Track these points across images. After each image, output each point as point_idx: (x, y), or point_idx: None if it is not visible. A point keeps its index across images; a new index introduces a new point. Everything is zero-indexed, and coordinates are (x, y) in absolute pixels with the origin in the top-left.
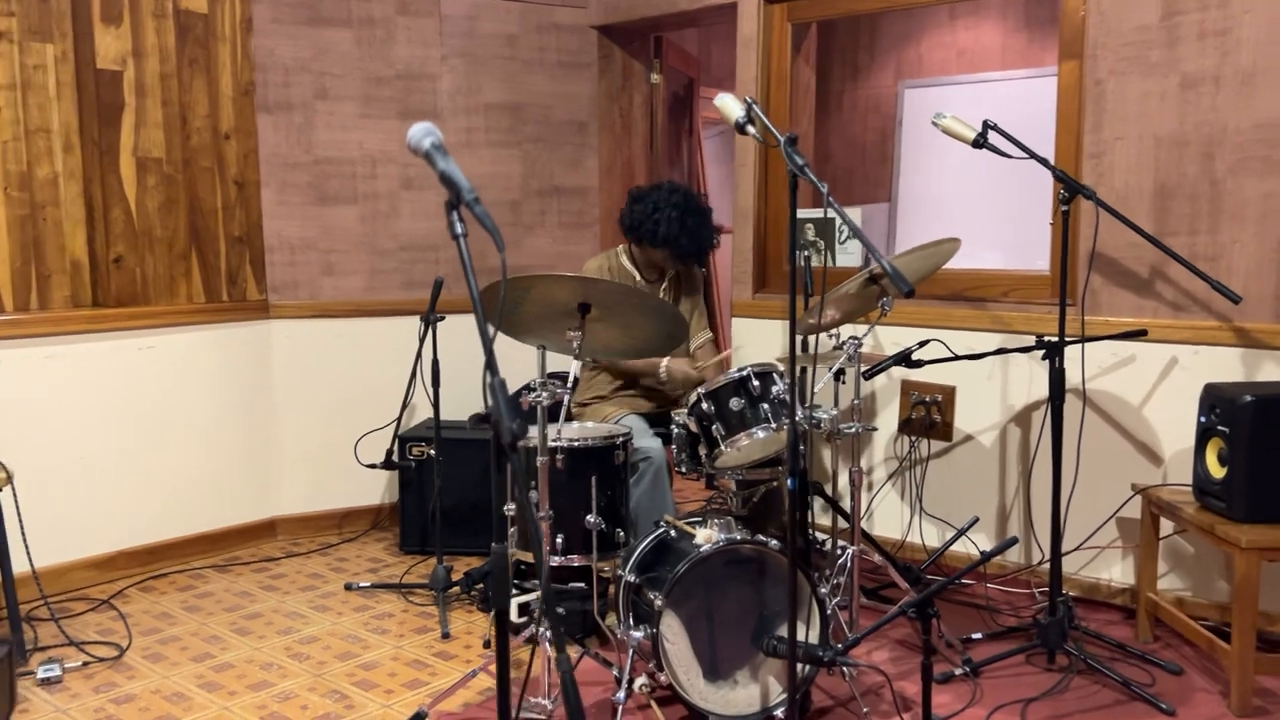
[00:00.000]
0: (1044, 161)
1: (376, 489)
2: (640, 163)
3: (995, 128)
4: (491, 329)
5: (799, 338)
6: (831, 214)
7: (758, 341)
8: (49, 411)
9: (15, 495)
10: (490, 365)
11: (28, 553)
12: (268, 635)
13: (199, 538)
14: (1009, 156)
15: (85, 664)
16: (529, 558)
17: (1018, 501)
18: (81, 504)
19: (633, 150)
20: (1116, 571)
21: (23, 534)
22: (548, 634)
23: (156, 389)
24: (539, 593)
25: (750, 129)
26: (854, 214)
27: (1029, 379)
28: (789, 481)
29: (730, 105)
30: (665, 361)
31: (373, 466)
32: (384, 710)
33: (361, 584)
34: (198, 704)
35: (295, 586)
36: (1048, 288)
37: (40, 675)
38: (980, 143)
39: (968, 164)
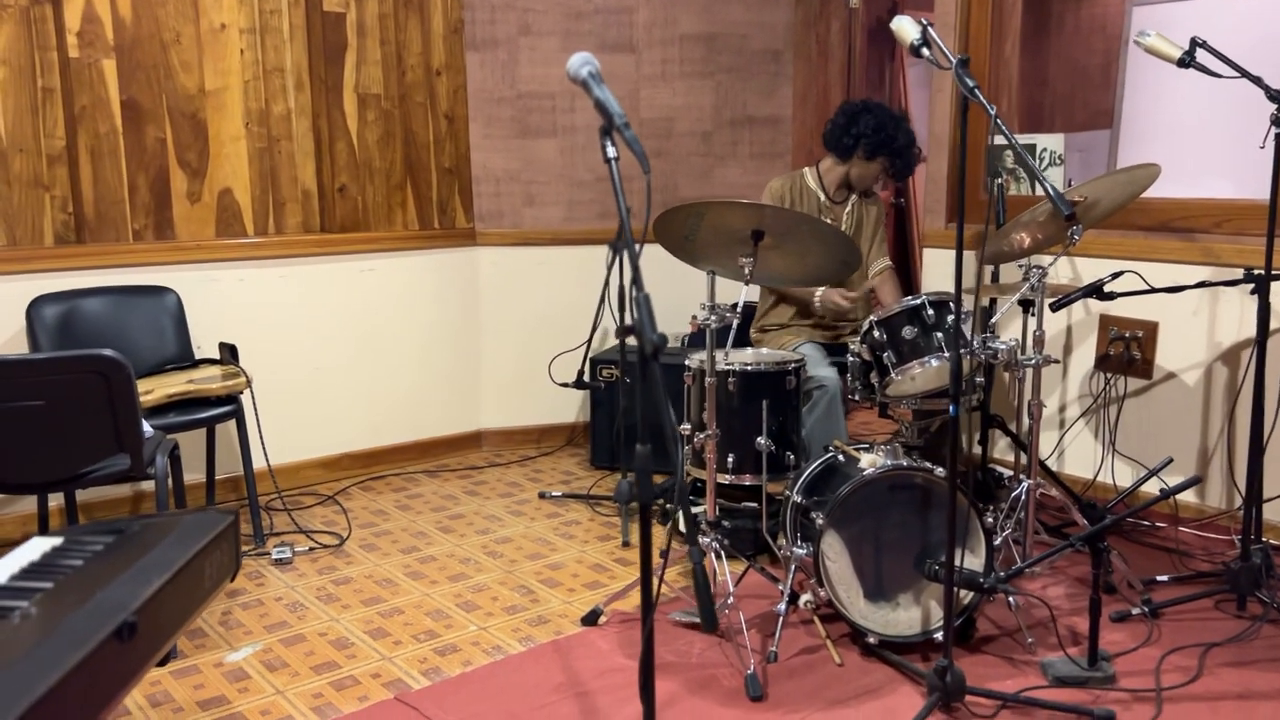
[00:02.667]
0: (1257, 80)
1: (571, 407)
2: (836, 91)
3: (1205, 45)
4: (638, 247)
5: (988, 267)
6: (1031, 140)
7: (949, 273)
8: (283, 325)
9: (254, 399)
10: (636, 280)
11: (265, 451)
12: (468, 534)
13: (412, 445)
14: (1219, 76)
15: (311, 549)
16: (703, 475)
17: (1220, 444)
18: (312, 409)
19: (829, 78)
20: None
21: (260, 434)
22: (715, 545)
23: (376, 308)
24: (705, 506)
25: (925, 51)
26: (1057, 141)
27: (1240, 315)
28: (950, 408)
29: (906, 27)
30: (819, 291)
31: (565, 385)
32: (565, 606)
33: (553, 493)
34: (403, 589)
35: (495, 493)
36: (1265, 218)
37: (274, 556)
38: (1186, 62)
39: (1199, 88)
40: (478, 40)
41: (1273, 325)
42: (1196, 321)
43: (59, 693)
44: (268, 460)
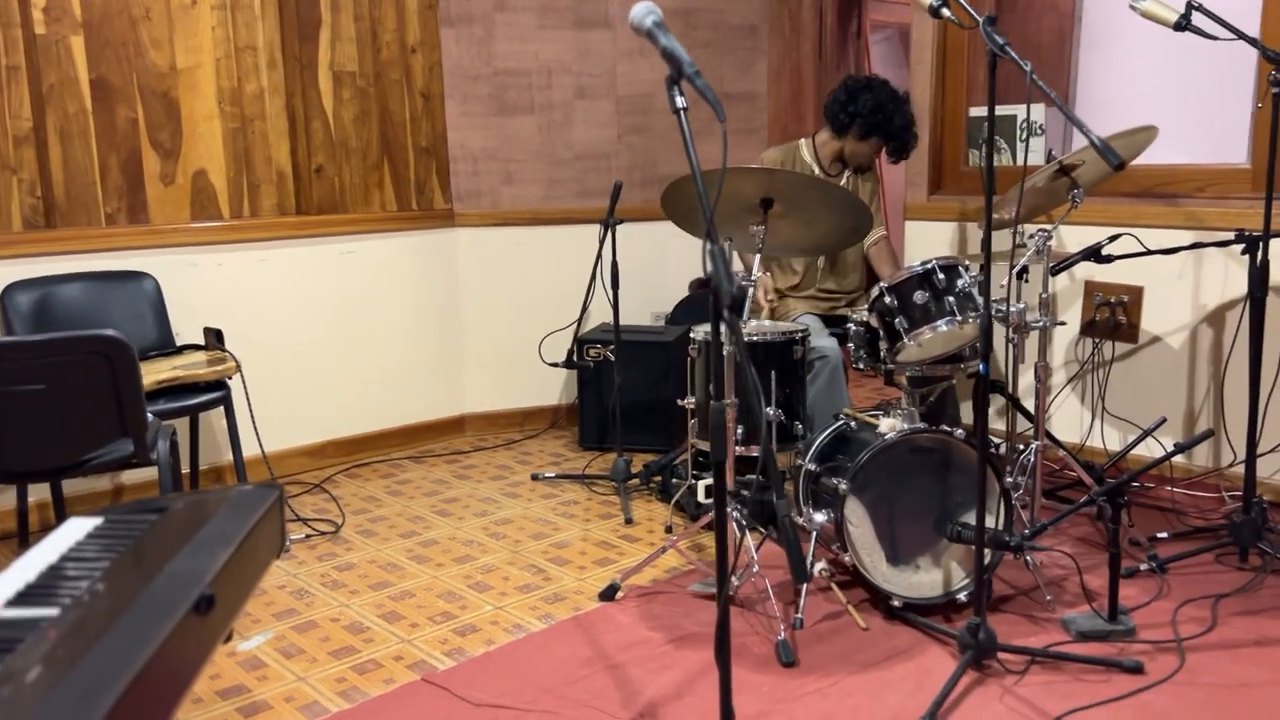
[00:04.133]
0: (1254, 41)
1: (555, 389)
2: (809, 66)
3: (1200, 8)
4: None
5: (978, 235)
6: (1011, 111)
7: (931, 245)
8: (263, 310)
9: (245, 384)
10: (711, 235)
11: (257, 437)
12: (466, 517)
13: (396, 431)
14: (1215, 39)
15: (308, 536)
16: (708, 447)
17: (1207, 404)
18: (294, 397)
19: (801, 54)
20: None
21: (252, 420)
22: (736, 515)
23: (356, 291)
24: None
25: (945, 11)
26: (1037, 111)
27: (1223, 277)
28: (980, 366)
29: None
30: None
31: (554, 365)
32: (579, 583)
33: (547, 474)
34: (410, 573)
35: (485, 476)
36: (1247, 182)
37: None
38: (1183, 25)
39: (1151, 64)
40: (453, 16)
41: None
42: (1181, 285)
43: (151, 669)
44: (261, 447)
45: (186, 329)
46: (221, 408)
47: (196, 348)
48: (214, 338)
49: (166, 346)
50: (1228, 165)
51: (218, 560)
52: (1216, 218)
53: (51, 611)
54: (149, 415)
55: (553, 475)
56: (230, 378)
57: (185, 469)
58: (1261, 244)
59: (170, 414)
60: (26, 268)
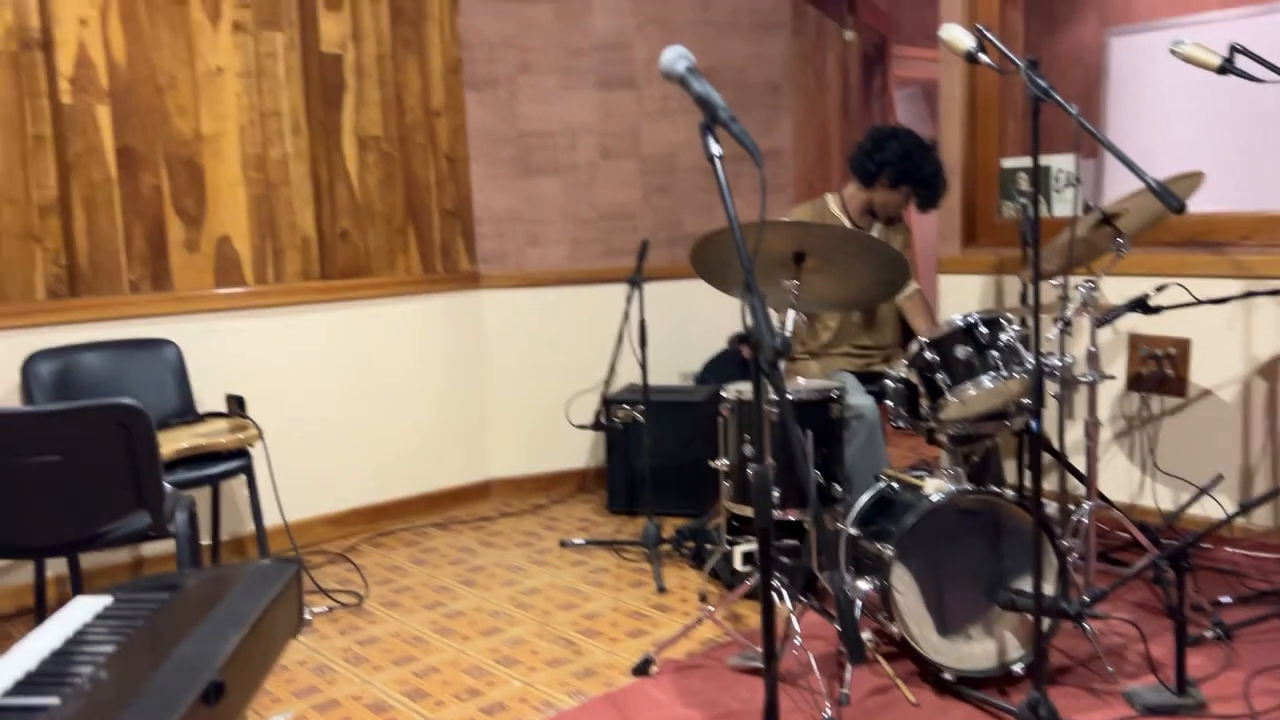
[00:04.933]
0: None
1: (581, 453)
2: (835, 123)
3: (1245, 50)
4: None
5: (1017, 288)
6: (1045, 162)
7: (966, 298)
8: (287, 376)
9: (267, 452)
10: (750, 285)
11: (279, 506)
12: (492, 587)
13: (420, 498)
14: (1260, 81)
15: (330, 609)
16: (743, 511)
17: (1265, 460)
18: (317, 464)
19: (826, 111)
20: None
21: (274, 489)
22: (776, 585)
23: (382, 356)
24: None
25: (983, 57)
26: (1067, 161)
27: (1276, 327)
28: (1032, 423)
29: (958, 35)
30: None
31: (583, 427)
32: (610, 656)
33: (575, 541)
34: (435, 647)
35: (512, 543)
36: None
37: None
38: (1226, 68)
39: (1179, 114)
40: (477, 79)
41: None
42: (1231, 336)
43: None
44: (283, 516)
45: (209, 396)
46: (243, 476)
47: (219, 415)
48: (236, 405)
49: (188, 414)
50: (1273, 212)
51: (229, 644)
52: (1264, 266)
53: (52, 700)
54: (167, 486)
55: (581, 542)
56: (252, 446)
57: (207, 540)
58: None
59: (191, 483)
60: (49, 337)
